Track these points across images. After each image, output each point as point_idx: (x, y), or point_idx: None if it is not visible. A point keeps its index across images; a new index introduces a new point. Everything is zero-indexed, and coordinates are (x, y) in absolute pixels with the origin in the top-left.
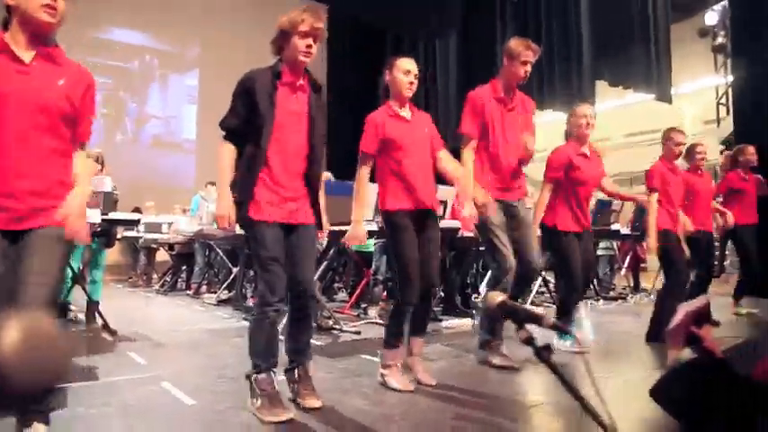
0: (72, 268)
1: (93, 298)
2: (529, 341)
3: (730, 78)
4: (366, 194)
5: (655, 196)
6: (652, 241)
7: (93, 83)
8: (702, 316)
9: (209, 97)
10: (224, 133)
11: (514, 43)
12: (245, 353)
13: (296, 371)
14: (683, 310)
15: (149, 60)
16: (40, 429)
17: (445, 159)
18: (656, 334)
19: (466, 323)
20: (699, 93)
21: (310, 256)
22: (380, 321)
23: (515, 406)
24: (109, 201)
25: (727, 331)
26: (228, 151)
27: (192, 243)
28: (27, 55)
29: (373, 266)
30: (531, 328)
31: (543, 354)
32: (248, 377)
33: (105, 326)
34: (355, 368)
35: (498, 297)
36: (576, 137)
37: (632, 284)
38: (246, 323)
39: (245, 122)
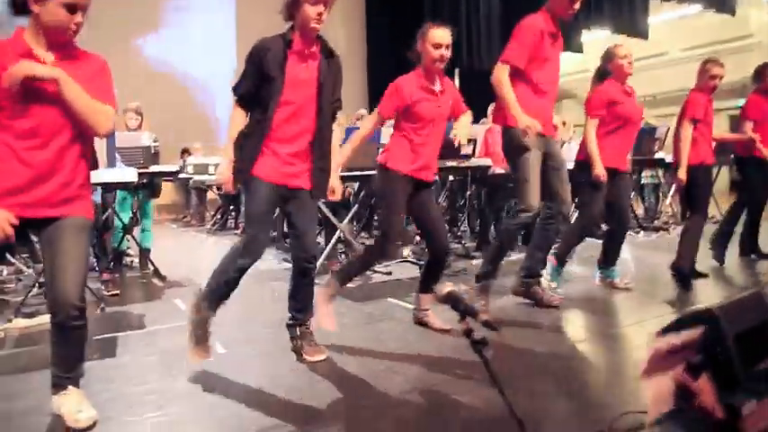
0: (121, 220)
1: (144, 245)
2: (467, 333)
3: None
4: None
5: (690, 129)
6: (682, 173)
7: (105, 66)
8: (698, 364)
9: (246, 33)
10: (236, 98)
11: None
12: (279, 297)
13: (297, 328)
14: (663, 341)
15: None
16: (73, 392)
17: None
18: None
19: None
20: None
21: (312, 222)
22: (413, 260)
23: (520, 360)
24: (148, 155)
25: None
26: (239, 116)
27: None
28: (48, 56)
29: None
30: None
31: (476, 347)
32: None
33: (156, 272)
34: (380, 313)
35: (447, 287)
36: (617, 77)
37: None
38: (287, 264)
39: (257, 89)
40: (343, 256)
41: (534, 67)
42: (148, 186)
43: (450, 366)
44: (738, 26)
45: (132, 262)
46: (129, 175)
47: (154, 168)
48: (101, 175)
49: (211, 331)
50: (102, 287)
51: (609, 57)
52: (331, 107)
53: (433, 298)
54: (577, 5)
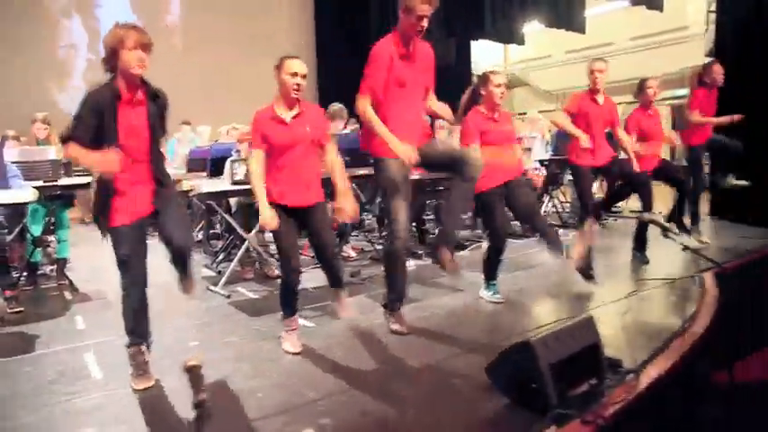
0: (31, 233)
1: (61, 256)
2: (197, 405)
3: None
4: (261, 184)
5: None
6: None
7: None
8: None
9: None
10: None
11: None
12: (183, 321)
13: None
14: None
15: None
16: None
17: (330, 151)
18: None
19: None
20: None
21: (179, 218)
22: None
23: (384, 376)
24: (56, 167)
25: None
26: (77, 148)
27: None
28: None
29: None
30: None
31: (198, 422)
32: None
33: (70, 283)
34: (267, 329)
35: (192, 361)
36: (486, 103)
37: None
38: (209, 272)
39: (93, 134)
40: (257, 264)
41: (391, 92)
42: (61, 197)
43: (308, 389)
44: (676, 17)
45: (52, 271)
46: (24, 195)
47: (63, 181)
48: None
49: (148, 360)
50: (5, 304)
51: (484, 81)
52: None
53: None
54: (424, 24)
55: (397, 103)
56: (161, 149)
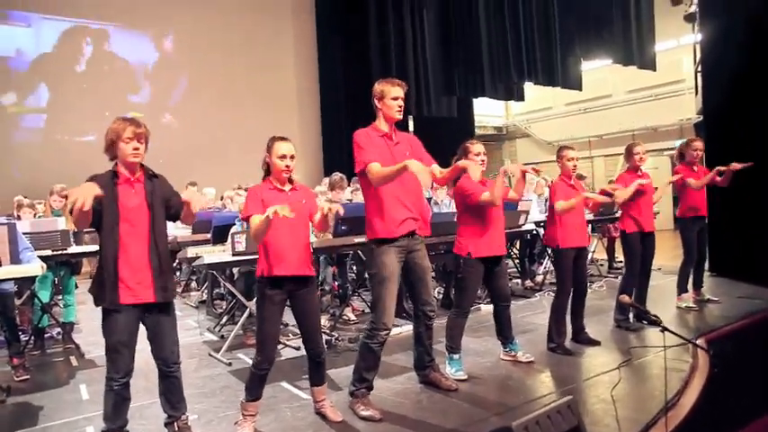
0: (39, 298)
1: (67, 320)
2: None
3: None
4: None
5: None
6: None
7: None
8: None
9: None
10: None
11: (379, 85)
12: (184, 391)
13: (175, 424)
14: None
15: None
16: None
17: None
18: (549, 340)
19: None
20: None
21: (168, 333)
22: (326, 332)
23: None
24: (65, 237)
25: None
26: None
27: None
28: None
29: (320, 277)
30: None
31: None
32: None
33: (77, 348)
34: (265, 402)
35: None
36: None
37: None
38: (211, 336)
39: (99, 218)
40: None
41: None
42: (68, 264)
43: None
44: (674, 70)
45: (59, 334)
46: (32, 269)
47: (72, 249)
48: (4, 271)
49: None
50: (13, 372)
51: (464, 152)
52: (170, 214)
53: (324, 390)
54: (400, 104)
55: (389, 190)
56: (164, 234)
